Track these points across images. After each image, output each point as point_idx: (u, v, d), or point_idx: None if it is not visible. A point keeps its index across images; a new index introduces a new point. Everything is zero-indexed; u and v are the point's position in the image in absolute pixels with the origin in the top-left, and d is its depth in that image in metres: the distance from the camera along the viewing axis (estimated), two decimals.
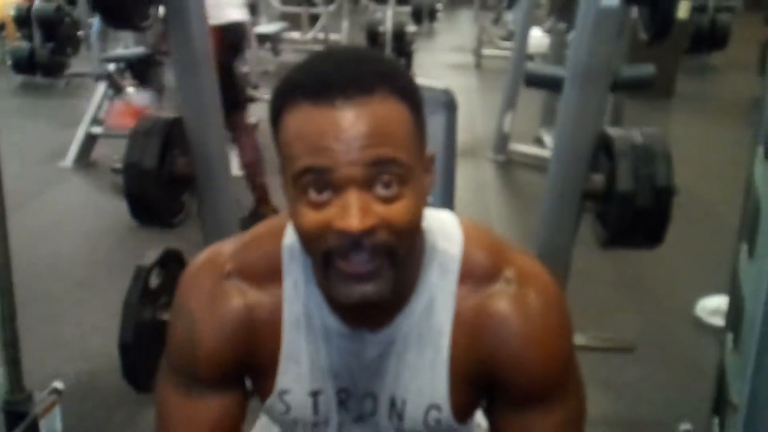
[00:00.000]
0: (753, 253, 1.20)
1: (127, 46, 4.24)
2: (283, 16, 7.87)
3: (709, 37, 7.12)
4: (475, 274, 0.86)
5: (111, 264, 3.22)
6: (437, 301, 0.86)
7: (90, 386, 2.25)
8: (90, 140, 4.31)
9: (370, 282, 0.76)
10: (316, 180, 0.73)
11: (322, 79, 0.74)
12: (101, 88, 4.28)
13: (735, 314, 1.31)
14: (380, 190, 0.73)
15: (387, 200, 0.74)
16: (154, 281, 2.20)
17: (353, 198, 0.72)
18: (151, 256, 2.20)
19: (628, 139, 1.85)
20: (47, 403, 1.53)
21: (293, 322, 0.88)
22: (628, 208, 1.81)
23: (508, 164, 4.48)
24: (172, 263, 2.32)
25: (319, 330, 0.88)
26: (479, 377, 0.87)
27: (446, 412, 0.89)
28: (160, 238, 2.75)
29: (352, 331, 0.87)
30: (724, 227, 3.63)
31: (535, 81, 3.84)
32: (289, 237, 0.89)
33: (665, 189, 1.80)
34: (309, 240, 0.77)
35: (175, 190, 1.98)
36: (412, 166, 0.75)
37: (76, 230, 3.54)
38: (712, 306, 2.78)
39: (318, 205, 0.74)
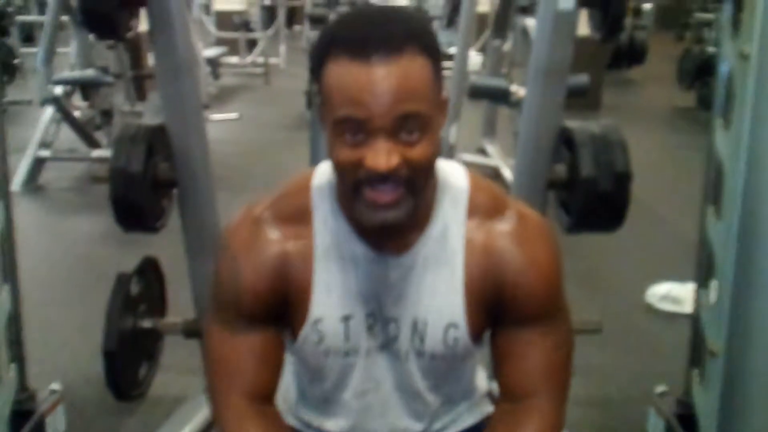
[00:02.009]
0: (720, 213, 1.35)
1: (74, 69, 4.20)
2: (219, 41, 7.91)
3: (628, 53, 7.60)
4: (481, 210, 1.02)
5: (71, 282, 3.19)
6: (450, 229, 1.01)
7: (67, 401, 2.23)
8: (38, 164, 4.26)
9: (392, 210, 0.91)
10: (352, 127, 0.88)
11: (360, 37, 0.88)
12: (47, 112, 4.24)
13: (706, 271, 1.46)
14: (404, 136, 0.89)
15: (409, 144, 0.89)
16: (134, 289, 2.22)
17: (382, 144, 0.88)
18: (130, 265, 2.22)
19: (587, 130, 2.00)
20: (52, 401, 1.54)
21: (324, 253, 1.01)
22: (591, 193, 1.95)
23: None
24: (150, 271, 2.34)
25: (348, 257, 1.01)
26: (489, 298, 1.01)
27: (463, 330, 1.02)
28: (117, 255, 2.73)
29: (377, 255, 1.00)
30: (659, 220, 3.90)
31: (479, 93, 4.04)
32: (318, 180, 1.03)
33: (623, 174, 1.94)
34: (344, 171, 0.92)
35: (158, 195, 2.02)
36: (432, 115, 0.90)
37: (32, 252, 3.47)
38: (661, 292, 2.96)
39: (353, 145, 0.89)
